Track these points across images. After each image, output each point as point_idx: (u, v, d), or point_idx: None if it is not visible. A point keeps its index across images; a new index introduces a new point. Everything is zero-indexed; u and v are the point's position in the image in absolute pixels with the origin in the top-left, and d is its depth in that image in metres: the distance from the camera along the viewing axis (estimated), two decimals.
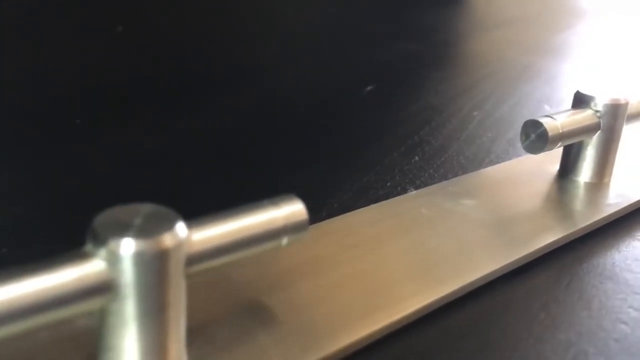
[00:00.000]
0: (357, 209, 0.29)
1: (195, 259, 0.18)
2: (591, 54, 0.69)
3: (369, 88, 0.50)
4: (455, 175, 0.34)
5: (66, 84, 0.49)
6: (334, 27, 0.78)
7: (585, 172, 0.32)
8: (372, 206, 0.29)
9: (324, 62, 0.60)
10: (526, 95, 0.50)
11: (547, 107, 0.47)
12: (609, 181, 0.32)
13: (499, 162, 0.36)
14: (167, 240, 0.17)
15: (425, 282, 0.23)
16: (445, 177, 0.34)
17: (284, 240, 0.20)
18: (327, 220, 0.27)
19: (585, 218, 0.29)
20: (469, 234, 0.27)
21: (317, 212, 0.29)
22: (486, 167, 0.35)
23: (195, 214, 0.19)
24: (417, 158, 0.36)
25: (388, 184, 0.33)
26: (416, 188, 0.32)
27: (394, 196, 0.31)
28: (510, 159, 0.36)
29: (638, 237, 0.29)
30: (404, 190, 0.32)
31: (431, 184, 0.32)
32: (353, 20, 0.83)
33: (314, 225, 0.27)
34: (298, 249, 0.24)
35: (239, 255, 0.19)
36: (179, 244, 0.17)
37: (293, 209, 0.20)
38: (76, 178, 0.32)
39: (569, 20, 0.88)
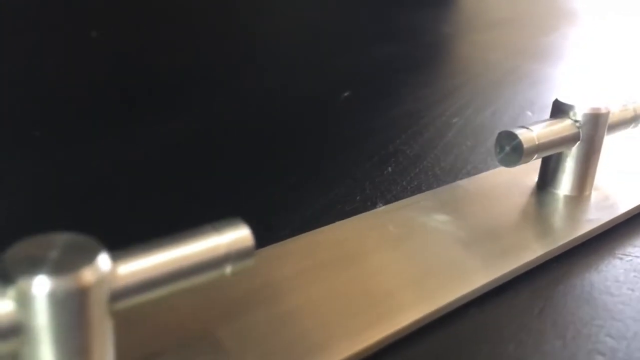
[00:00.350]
0: (321, 226, 0.27)
1: (122, 294, 0.16)
2: (579, 57, 0.68)
3: (346, 94, 0.49)
4: (430, 187, 0.33)
5: (29, 89, 0.47)
6: (313, 28, 0.77)
7: (564, 184, 0.31)
8: (336, 224, 0.27)
9: (300, 66, 0.59)
10: (509, 101, 0.49)
11: (529, 114, 0.46)
12: (590, 194, 0.31)
13: (476, 173, 0.34)
14: (86, 275, 0.15)
15: (387, 310, 0.22)
16: (419, 190, 0.32)
17: (228, 269, 0.19)
18: (286, 241, 0.25)
19: (563, 235, 0.28)
20: (439, 254, 0.26)
21: (278, 231, 0.27)
22: (463, 178, 0.34)
23: (142, 236, 0.17)
24: (390, 169, 0.35)
25: (357, 197, 0.31)
26: (387, 202, 0.31)
27: (363, 211, 0.29)
28: (488, 169, 0.35)
29: (619, 255, 0.27)
30: (374, 205, 0.31)
31: (403, 198, 0.31)
32: (334, 21, 0.82)
33: (272, 246, 0.25)
34: (252, 273, 0.23)
35: (174, 288, 0.18)
36: (101, 280, 0.16)
37: (237, 235, 0.19)
38: (27, 190, 0.31)
39: (558, 22, 0.87)
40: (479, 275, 0.24)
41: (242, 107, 0.46)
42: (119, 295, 0.16)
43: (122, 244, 0.17)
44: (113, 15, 0.75)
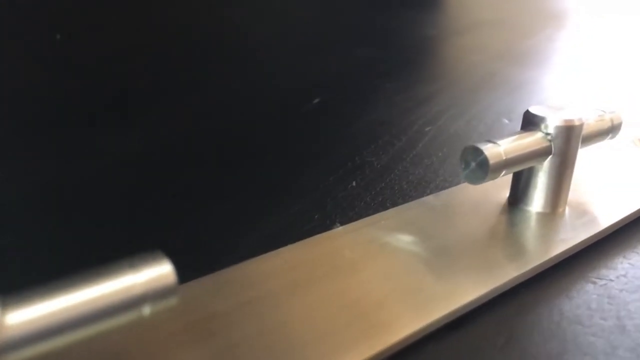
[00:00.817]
0: (273, 249, 0.25)
1: (11, 346, 0.14)
2: (562, 60, 0.67)
3: (315, 101, 0.47)
4: (395, 203, 0.31)
5: None
6: (289, 30, 0.75)
7: (536, 201, 0.29)
8: (286, 248, 0.25)
9: (271, 70, 0.57)
10: (486, 108, 0.47)
11: (506, 121, 0.44)
12: (564, 211, 0.29)
13: (445, 187, 0.33)
14: None
15: (333, 347, 0.20)
16: (383, 206, 0.31)
17: (146, 310, 0.17)
18: (228, 268, 0.23)
19: (535, 257, 0.26)
20: (397, 280, 0.24)
21: (223, 256, 0.25)
22: (431, 193, 0.32)
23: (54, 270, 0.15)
24: (354, 183, 0.33)
25: (316, 216, 0.29)
26: (349, 220, 0.29)
27: (322, 231, 0.27)
28: (459, 183, 0.33)
29: (593, 279, 0.25)
30: (334, 224, 0.29)
31: (367, 215, 0.29)
32: (313, 23, 0.80)
33: (214, 274, 0.23)
34: (187, 307, 0.21)
35: (80, 335, 0.16)
36: None
37: (157, 272, 0.17)
38: None
39: (542, 24, 0.85)
40: (440, 305, 0.23)
41: (197, 113, 0.44)
42: (7, 347, 0.14)
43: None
44: (80, 19, 0.73)
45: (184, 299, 0.21)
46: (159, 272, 0.17)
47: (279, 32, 0.74)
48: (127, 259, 0.17)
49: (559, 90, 0.54)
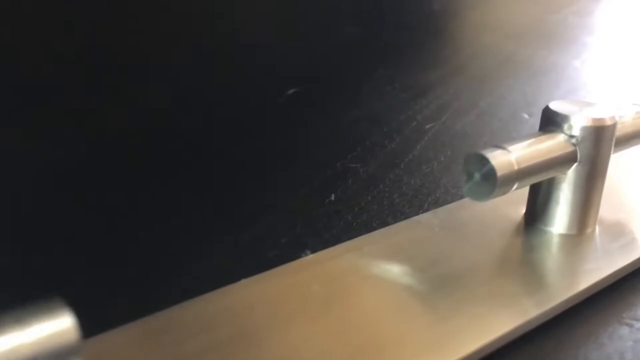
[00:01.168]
0: (226, 284, 0.24)
1: None
2: (596, 40, 0.66)
3: (290, 91, 0.46)
4: (384, 223, 0.30)
5: None
6: (259, 4, 0.74)
7: (559, 220, 0.28)
8: (242, 283, 0.24)
9: (235, 53, 0.56)
10: (501, 99, 0.46)
11: (526, 117, 0.43)
12: (593, 232, 0.28)
13: (447, 202, 0.32)
14: None
15: None
16: (367, 227, 0.30)
17: None
18: (163, 312, 0.22)
19: (557, 293, 0.25)
20: (380, 326, 0.23)
21: (155, 296, 0.24)
22: (429, 209, 0.31)
23: None
24: (332, 197, 0.32)
25: (283, 240, 0.28)
26: (324, 245, 0.28)
27: (290, 260, 0.26)
28: (464, 196, 0.32)
29: (627, 320, 0.24)
30: (303, 250, 0.27)
31: (347, 239, 0.28)
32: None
33: (139, 321, 0.22)
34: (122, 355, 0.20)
35: None
36: None
37: (51, 327, 0.15)
38: None
39: None
40: (435, 357, 0.21)
41: (143, 107, 0.43)
42: None
43: None
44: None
45: (100, 354, 0.19)
46: (55, 327, 0.15)
47: (250, 8, 0.73)
48: (14, 311, 0.15)
49: (591, 78, 0.53)
